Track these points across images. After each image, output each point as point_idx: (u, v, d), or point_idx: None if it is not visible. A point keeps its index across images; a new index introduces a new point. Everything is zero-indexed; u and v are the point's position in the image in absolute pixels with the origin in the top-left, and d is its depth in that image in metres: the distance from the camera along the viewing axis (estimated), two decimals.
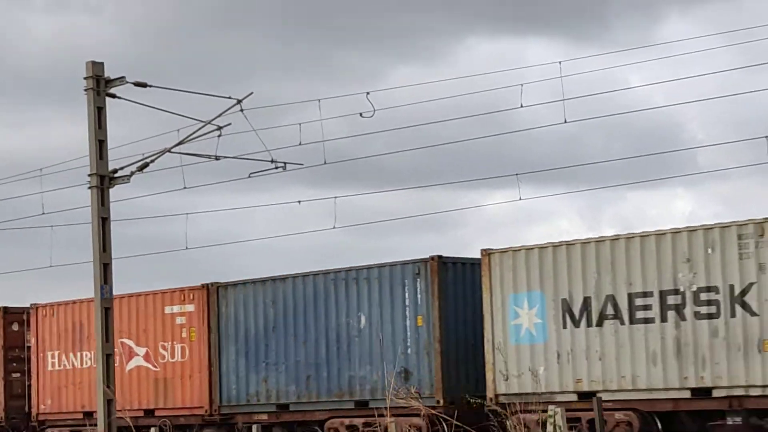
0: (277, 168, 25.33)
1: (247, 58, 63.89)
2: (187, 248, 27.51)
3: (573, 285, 23.74)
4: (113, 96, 24.30)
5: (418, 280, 25.92)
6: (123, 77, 24.18)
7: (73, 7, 66.39)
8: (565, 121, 23.02)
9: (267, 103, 26.75)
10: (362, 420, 26.44)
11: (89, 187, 24.41)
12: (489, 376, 24.77)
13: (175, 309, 30.09)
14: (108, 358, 24.00)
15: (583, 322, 23.58)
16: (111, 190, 24.49)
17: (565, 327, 23.80)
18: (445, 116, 26.49)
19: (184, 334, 29.85)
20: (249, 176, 25.74)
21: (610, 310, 23.27)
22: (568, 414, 23.10)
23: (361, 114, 23.88)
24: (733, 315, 21.79)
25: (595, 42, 60.69)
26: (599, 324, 23.38)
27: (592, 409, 22.73)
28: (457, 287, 26.02)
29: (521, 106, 23.05)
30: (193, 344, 29.61)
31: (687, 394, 22.35)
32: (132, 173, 24.52)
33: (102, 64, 24.27)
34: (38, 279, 62.15)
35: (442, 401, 25.36)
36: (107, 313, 24.09)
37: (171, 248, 37.60)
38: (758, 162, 22.65)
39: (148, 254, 43.36)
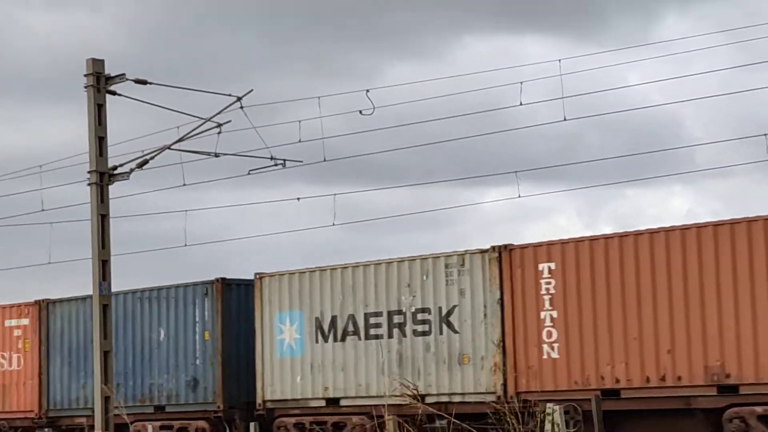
0: (276, 165, 25.40)
1: (245, 55, 63.69)
2: (186, 245, 28.37)
3: (324, 305, 27.26)
4: (113, 93, 24.30)
5: (206, 299, 29.45)
6: (123, 74, 24.21)
7: (72, 4, 66.08)
8: (565, 119, 23.21)
9: (266, 100, 26.54)
10: (159, 423, 30.00)
11: (89, 184, 24.39)
12: (258, 384, 28.26)
13: (13, 322, 33.59)
14: (106, 356, 24.13)
15: (331, 338, 27.12)
16: (110, 187, 24.49)
17: (317, 342, 27.31)
18: (443, 114, 26.84)
19: (20, 345, 33.35)
20: (248, 173, 25.88)
21: (351, 327, 26.78)
22: (317, 418, 26.72)
23: (360, 111, 24.15)
24: (441, 332, 25.34)
25: (593, 40, 60.26)
26: (343, 339, 26.92)
27: (337, 414, 26.40)
28: (240, 306, 29.51)
29: (521, 104, 23.31)
30: (27, 354, 33.11)
31: (407, 400, 25.87)
32: (131, 170, 24.57)
33: (102, 61, 24.28)
34: (37, 276, 62.13)
35: (222, 406, 28.88)
36: (105, 310, 24.22)
37: (170, 245, 37.70)
38: (757, 160, 22.77)
39: (147, 251, 45.14)
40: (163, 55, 62.69)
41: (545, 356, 23.80)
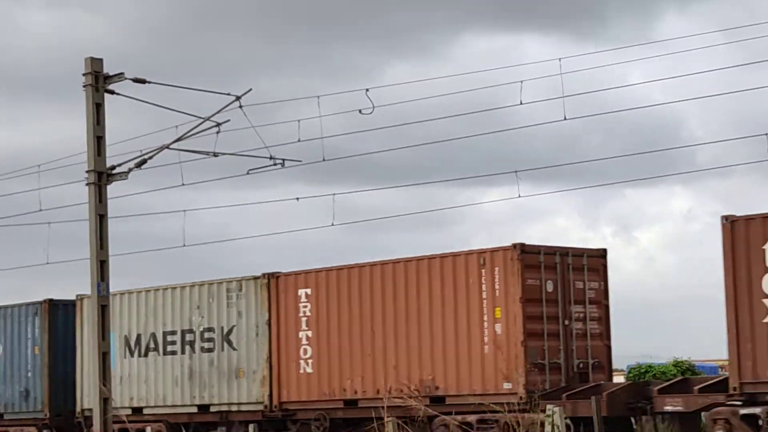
0: (275, 165, 25.11)
1: (243, 55, 62.92)
2: (185, 245, 28.37)
3: (131, 324, 30.59)
4: (112, 92, 24.13)
5: (36, 318, 32.77)
6: (122, 73, 24.04)
7: (70, 3, 65.84)
8: (565, 118, 23.19)
9: (264, 99, 26.29)
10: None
11: (87, 184, 24.18)
12: (78, 395, 31.60)
13: None
14: (104, 357, 23.87)
15: (136, 353, 30.47)
16: (109, 187, 24.34)
17: (125, 357, 30.65)
18: (443, 113, 26.81)
19: None
20: (247, 173, 25.71)
21: (152, 344, 30.15)
22: (121, 425, 29.81)
23: (360, 111, 23.96)
24: (222, 349, 28.75)
25: (592, 39, 60.52)
26: (146, 354, 30.28)
27: (142, 422, 29.70)
28: (68, 324, 32.79)
29: (521, 103, 23.24)
30: None
31: (195, 409, 29.28)
32: (130, 170, 24.44)
33: (101, 60, 24.06)
34: (34, 276, 62.37)
35: (48, 414, 32.17)
36: (104, 310, 23.99)
37: (169, 245, 39.66)
38: (758, 160, 22.63)
39: (146, 251, 46.88)
40: (161, 54, 62.21)
41: (302, 371, 27.28)
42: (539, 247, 24.77)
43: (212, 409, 28.96)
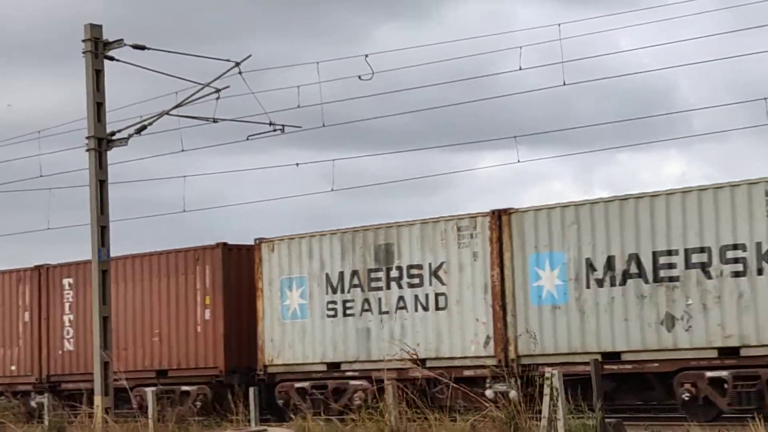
0: (275, 131, 24.97)
1: (237, 18, 61.27)
2: (184, 211, 28.61)
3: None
4: (111, 59, 23.95)
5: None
6: (121, 40, 23.85)
7: None
8: (564, 84, 23.20)
9: (258, 65, 26.21)
10: None
11: (87, 150, 24.06)
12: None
13: None
14: (105, 321, 23.93)
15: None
16: (109, 153, 24.16)
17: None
18: (440, 79, 26.80)
19: None
20: (247, 139, 25.41)
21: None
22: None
23: (359, 77, 23.79)
24: None
25: (585, 3, 59.64)
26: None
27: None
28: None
29: (520, 69, 23.22)
30: None
31: None
32: (130, 136, 24.23)
33: (100, 26, 23.93)
34: (36, 241, 61.30)
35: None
36: (104, 275, 24.05)
37: (169, 210, 40.83)
38: (755, 124, 24.96)
39: (146, 217, 46.82)
40: (156, 18, 60.76)
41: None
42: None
43: None
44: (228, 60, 24.08)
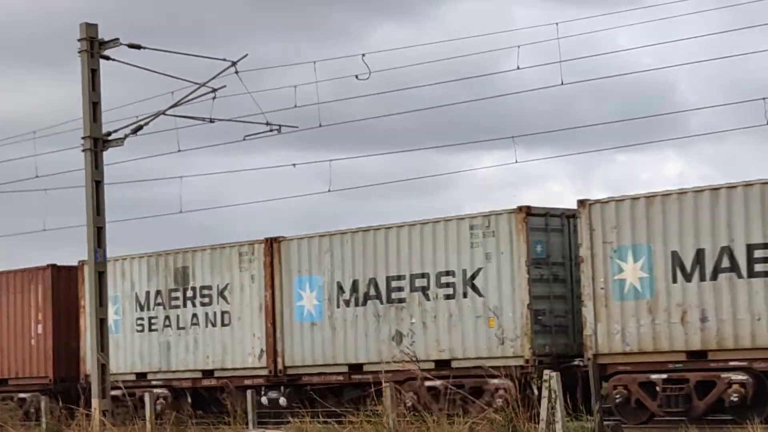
0: (272, 131, 24.97)
1: (231, 18, 61.44)
2: (181, 212, 29.11)
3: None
4: (107, 58, 23.76)
5: None
6: (117, 39, 23.65)
7: None
8: (562, 83, 23.15)
9: (255, 64, 25.90)
10: None
11: (83, 150, 23.89)
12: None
13: None
14: (102, 323, 23.73)
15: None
16: (105, 153, 24.00)
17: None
18: (438, 78, 27.47)
19: None
20: (244, 139, 25.40)
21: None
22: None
23: (356, 76, 23.84)
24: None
25: (584, 2, 59.13)
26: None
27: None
28: None
29: (518, 68, 23.28)
30: None
31: None
32: (126, 136, 24.09)
33: (96, 25, 23.70)
34: (32, 243, 60.99)
35: None
36: (101, 277, 23.81)
37: (165, 211, 41.05)
38: (754, 124, 22.72)
39: (142, 218, 47.81)
40: (152, 18, 60.11)
41: None
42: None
43: None
44: (224, 59, 24.03)
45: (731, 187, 22.00)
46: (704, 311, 22.11)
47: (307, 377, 27.45)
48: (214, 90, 24.08)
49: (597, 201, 23.51)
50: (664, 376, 22.60)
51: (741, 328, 21.73)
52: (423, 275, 25.47)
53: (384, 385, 20.01)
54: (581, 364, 23.46)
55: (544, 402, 17.49)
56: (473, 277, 24.68)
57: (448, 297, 25.07)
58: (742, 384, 21.77)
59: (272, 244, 28.11)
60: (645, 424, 23.12)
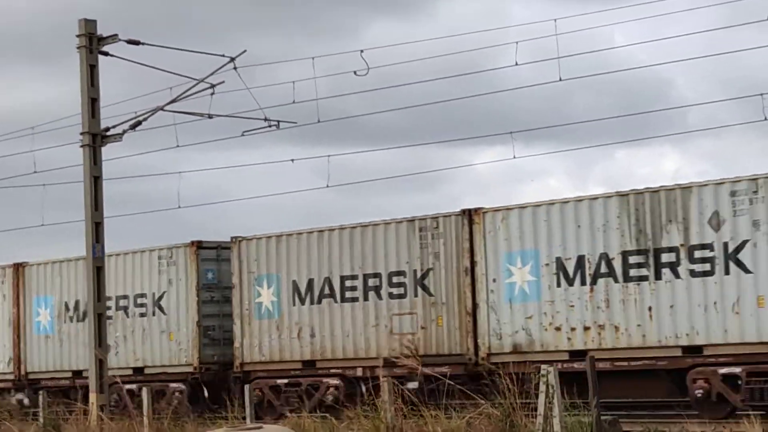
0: (270, 126, 24.88)
1: (227, 14, 62.38)
2: (179, 207, 28.33)
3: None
4: (106, 54, 23.66)
5: None
6: (116, 35, 23.57)
7: None
8: (560, 79, 22.97)
9: (253, 60, 25.96)
10: None
11: (81, 146, 23.67)
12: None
13: None
14: (100, 318, 23.56)
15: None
16: (103, 149, 23.84)
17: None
18: (435, 74, 28.29)
19: None
20: (242, 134, 25.41)
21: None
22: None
23: (355, 72, 23.96)
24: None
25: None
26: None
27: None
28: None
29: (516, 64, 23.27)
30: None
31: None
32: (124, 131, 23.88)
33: (94, 21, 23.64)
34: (30, 238, 61.59)
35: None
36: (99, 272, 23.69)
37: (163, 207, 39.90)
38: (750, 120, 23.43)
39: (140, 213, 48.06)
40: (151, 13, 60.55)
41: None
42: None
43: None
44: (223, 55, 24.04)
45: (330, 230, 26.29)
46: (313, 329, 26.48)
47: (44, 381, 31.88)
48: (213, 86, 24.25)
49: (244, 238, 27.60)
50: (286, 380, 27.14)
51: (337, 343, 26.25)
52: (125, 297, 29.87)
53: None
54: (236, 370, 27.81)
55: (542, 397, 17.39)
56: (160, 298, 29.21)
57: (142, 315, 29.48)
58: (337, 387, 26.19)
59: (18, 269, 32.49)
60: (273, 417, 25.90)
